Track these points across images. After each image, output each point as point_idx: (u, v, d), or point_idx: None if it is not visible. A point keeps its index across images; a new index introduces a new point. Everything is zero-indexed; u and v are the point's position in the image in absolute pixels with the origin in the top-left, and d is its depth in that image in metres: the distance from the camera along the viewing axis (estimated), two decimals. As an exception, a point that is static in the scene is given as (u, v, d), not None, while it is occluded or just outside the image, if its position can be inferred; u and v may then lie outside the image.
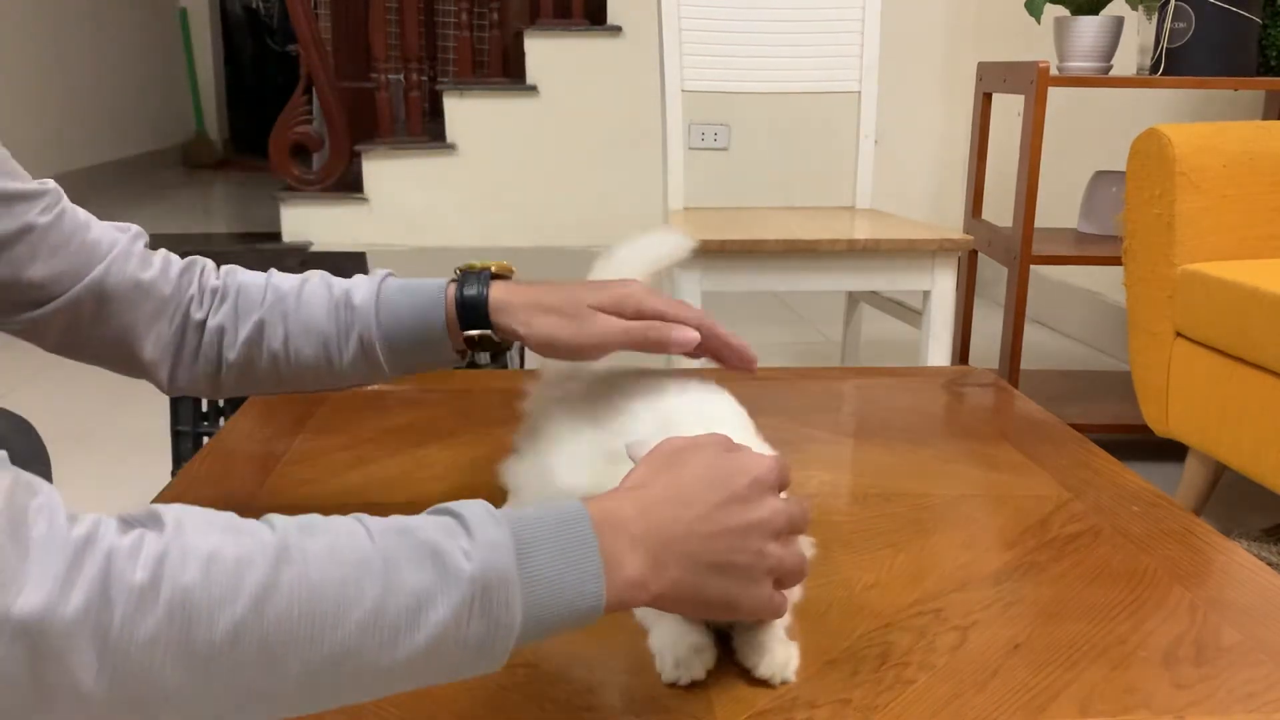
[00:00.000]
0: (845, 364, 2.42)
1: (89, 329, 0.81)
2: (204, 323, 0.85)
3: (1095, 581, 0.81)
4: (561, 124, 3.70)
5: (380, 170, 3.69)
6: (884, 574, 0.82)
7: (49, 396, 2.57)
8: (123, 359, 0.84)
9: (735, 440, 0.67)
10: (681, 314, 0.79)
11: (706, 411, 0.77)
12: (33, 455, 0.97)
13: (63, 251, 0.79)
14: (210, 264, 0.88)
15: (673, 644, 0.66)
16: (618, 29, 3.66)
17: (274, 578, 0.47)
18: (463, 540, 0.52)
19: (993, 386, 1.33)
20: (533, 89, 3.68)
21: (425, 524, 0.52)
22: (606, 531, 0.56)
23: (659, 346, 0.78)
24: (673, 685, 0.65)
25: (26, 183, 0.77)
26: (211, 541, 0.47)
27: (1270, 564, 1.14)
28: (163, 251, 0.87)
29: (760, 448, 0.72)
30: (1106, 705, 0.65)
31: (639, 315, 0.79)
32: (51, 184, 0.80)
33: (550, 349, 0.81)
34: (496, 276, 0.85)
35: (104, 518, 0.45)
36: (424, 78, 3.89)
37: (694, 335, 0.77)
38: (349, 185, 3.72)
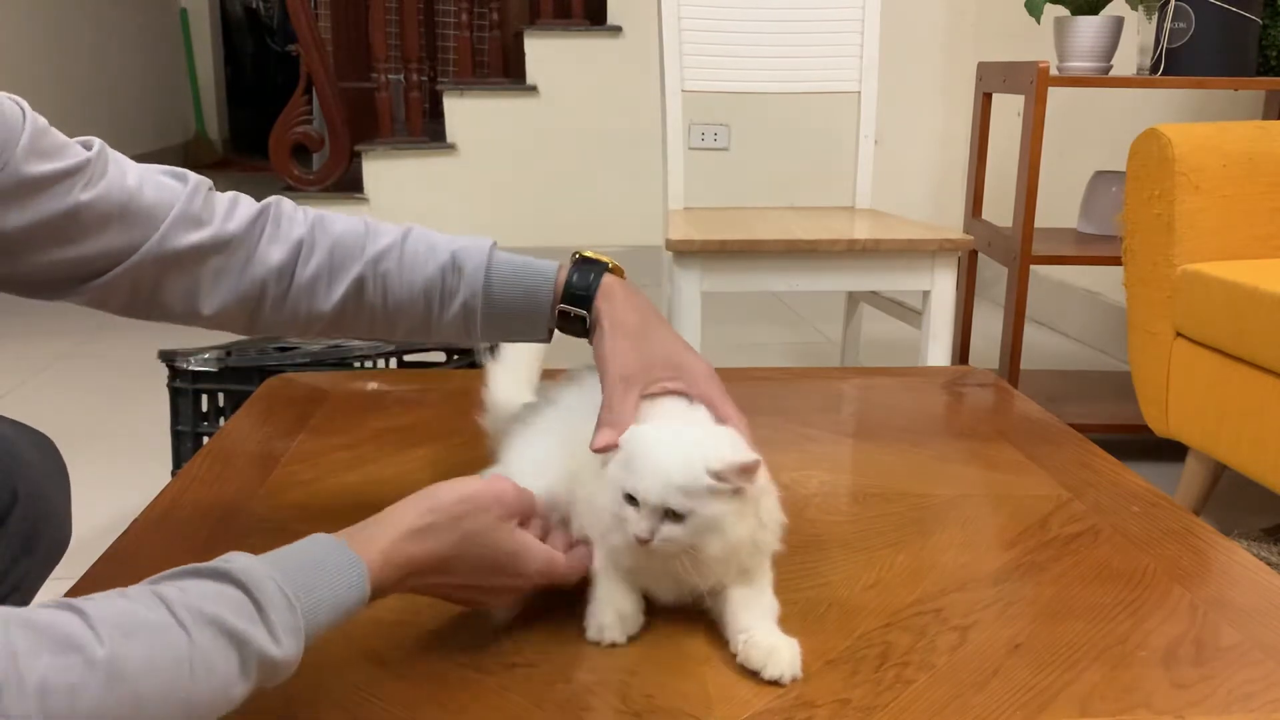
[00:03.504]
0: (845, 364, 2.42)
1: (151, 293, 0.81)
2: (290, 273, 0.83)
3: (1095, 581, 0.81)
4: (561, 124, 3.70)
5: (380, 170, 3.68)
6: (884, 574, 0.82)
7: (49, 396, 2.56)
8: (190, 316, 0.84)
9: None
10: (727, 412, 0.80)
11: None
12: (51, 472, 0.96)
13: (114, 224, 0.77)
14: (289, 206, 0.86)
15: (600, 608, 0.73)
16: (618, 29, 3.66)
17: (104, 699, 0.50)
18: (263, 627, 0.57)
19: (992, 386, 1.33)
20: (533, 89, 3.67)
21: (227, 610, 0.56)
22: (375, 593, 0.65)
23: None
24: (596, 644, 0.72)
25: (65, 160, 0.75)
26: (41, 668, 0.49)
27: (1270, 564, 1.14)
28: (229, 197, 0.84)
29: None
30: (1106, 705, 0.65)
31: (701, 396, 0.81)
32: (95, 147, 0.77)
33: (597, 363, 0.83)
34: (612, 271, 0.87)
35: None
36: (424, 78, 3.89)
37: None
38: (349, 185, 3.72)
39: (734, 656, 0.69)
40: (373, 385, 1.30)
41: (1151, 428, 1.82)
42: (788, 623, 0.72)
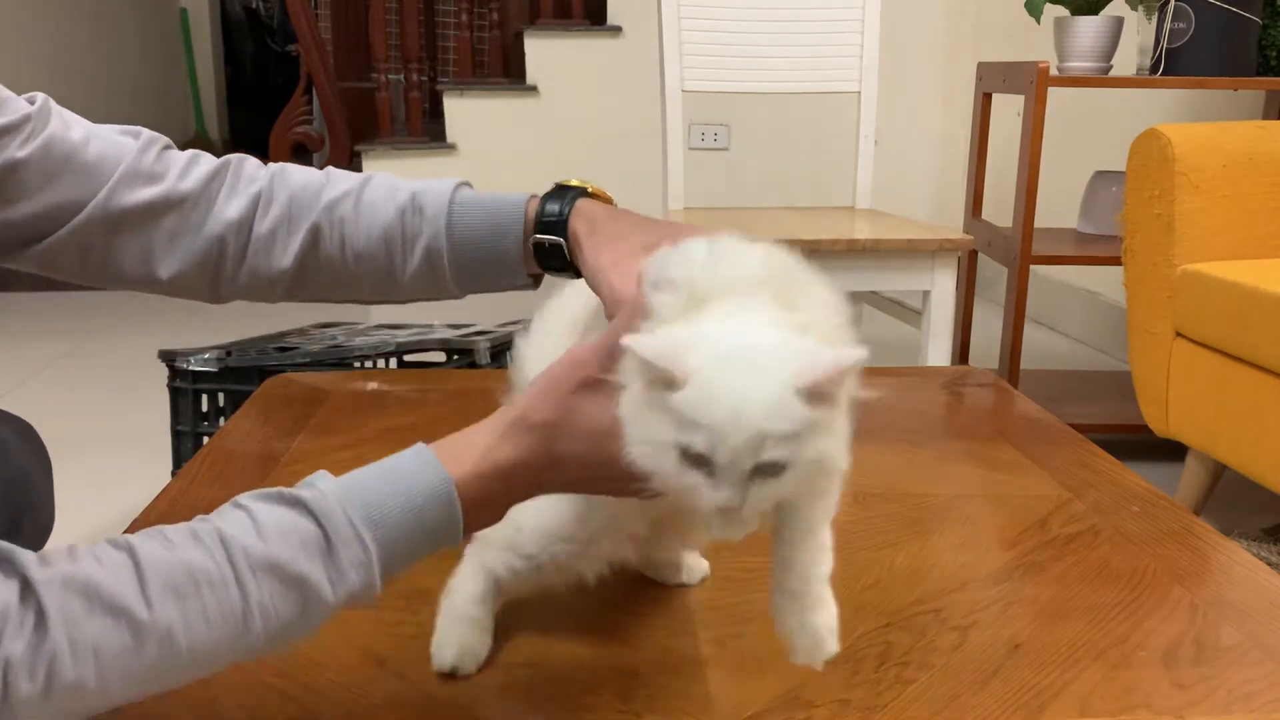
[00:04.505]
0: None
1: (104, 255, 0.77)
2: (249, 228, 0.79)
3: (1095, 581, 0.81)
4: (561, 124, 3.70)
5: (380, 170, 3.68)
6: (884, 574, 0.82)
7: (49, 396, 2.56)
8: (144, 281, 0.79)
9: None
10: None
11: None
12: (33, 457, 0.96)
13: (57, 181, 0.73)
14: (251, 164, 0.81)
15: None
16: (618, 29, 3.65)
17: (157, 655, 0.52)
18: (329, 564, 0.56)
19: (993, 386, 1.33)
20: (533, 89, 3.67)
21: (291, 549, 0.55)
22: (470, 510, 0.59)
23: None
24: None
25: (2, 115, 0.72)
26: (94, 631, 0.51)
27: (1270, 564, 1.13)
28: (187, 155, 0.80)
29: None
30: (1106, 705, 0.65)
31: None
32: (38, 102, 0.74)
33: (587, 276, 0.74)
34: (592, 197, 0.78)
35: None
36: (424, 78, 3.88)
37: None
38: (349, 185, 3.72)
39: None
40: (373, 385, 1.30)
41: (1151, 428, 1.82)
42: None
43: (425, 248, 0.78)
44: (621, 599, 0.77)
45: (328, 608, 0.56)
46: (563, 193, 0.77)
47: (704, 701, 0.65)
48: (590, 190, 0.78)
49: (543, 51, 3.66)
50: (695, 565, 0.78)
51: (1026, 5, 2.17)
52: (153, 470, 1.71)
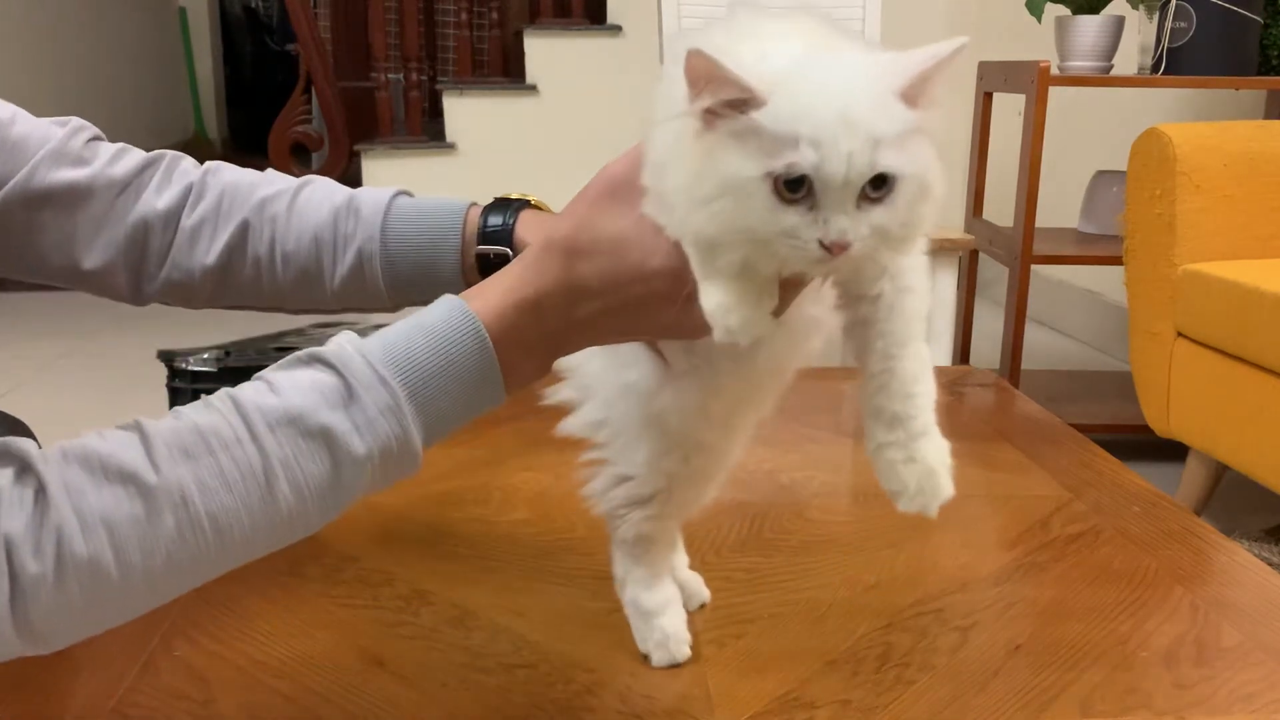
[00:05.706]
0: (845, 364, 2.41)
1: (22, 240, 0.73)
2: (176, 221, 0.75)
3: (1096, 582, 0.81)
4: (561, 124, 3.70)
5: (379, 170, 3.68)
6: (884, 574, 0.82)
7: (49, 396, 2.56)
8: (66, 272, 0.75)
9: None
10: None
11: None
12: None
13: None
14: (187, 161, 0.78)
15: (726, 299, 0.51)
16: (618, 29, 3.65)
17: (176, 532, 0.48)
18: (354, 412, 0.51)
19: (993, 386, 1.33)
20: (533, 89, 3.67)
21: (311, 399, 0.51)
22: (504, 349, 0.55)
23: None
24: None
25: None
26: (101, 503, 0.47)
27: (1270, 564, 1.13)
28: (116, 146, 0.77)
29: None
30: (1107, 705, 0.65)
31: None
32: None
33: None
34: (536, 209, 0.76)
35: None
36: (424, 77, 3.88)
37: None
38: (348, 185, 3.71)
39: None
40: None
41: (1152, 428, 1.82)
42: (787, 624, 0.72)
43: (358, 250, 0.75)
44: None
45: (360, 463, 0.51)
46: (505, 205, 0.74)
47: (704, 701, 0.65)
48: (533, 202, 0.75)
49: (542, 51, 3.66)
50: (696, 591, 0.77)
51: (1027, 4, 2.17)
52: (152, 470, 1.71)
